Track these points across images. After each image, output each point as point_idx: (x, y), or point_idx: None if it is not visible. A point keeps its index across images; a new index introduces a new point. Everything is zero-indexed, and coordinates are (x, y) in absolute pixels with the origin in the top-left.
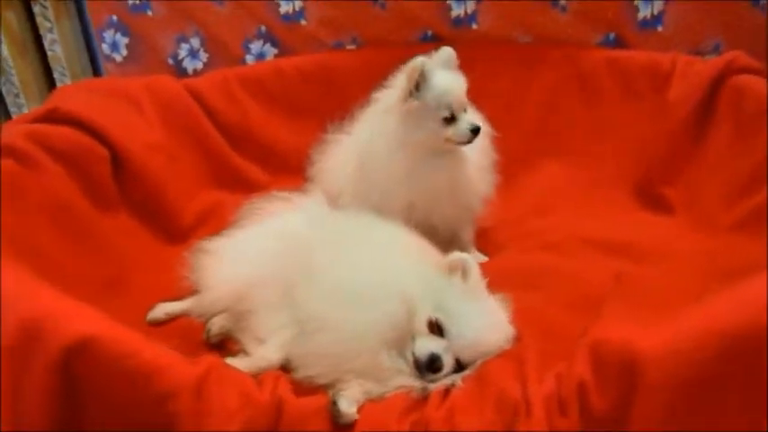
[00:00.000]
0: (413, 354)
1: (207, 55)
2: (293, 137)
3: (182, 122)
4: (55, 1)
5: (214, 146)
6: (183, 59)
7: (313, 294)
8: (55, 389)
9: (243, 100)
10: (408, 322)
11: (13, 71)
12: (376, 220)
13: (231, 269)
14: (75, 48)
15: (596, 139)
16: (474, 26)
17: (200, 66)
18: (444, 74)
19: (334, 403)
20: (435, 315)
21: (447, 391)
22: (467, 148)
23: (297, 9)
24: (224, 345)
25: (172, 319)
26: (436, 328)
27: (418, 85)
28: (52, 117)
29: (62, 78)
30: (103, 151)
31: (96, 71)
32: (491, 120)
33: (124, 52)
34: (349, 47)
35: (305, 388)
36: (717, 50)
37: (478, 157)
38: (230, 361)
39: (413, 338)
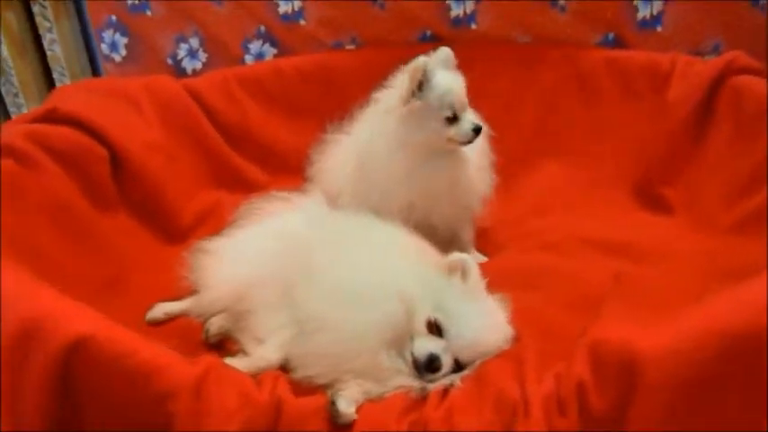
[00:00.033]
0: (412, 354)
1: (206, 55)
2: (292, 137)
3: (181, 122)
4: (54, 1)
5: (213, 146)
6: (182, 59)
7: (312, 294)
8: (54, 388)
9: (242, 100)
10: (407, 322)
11: (13, 71)
12: (375, 221)
13: (230, 269)
14: (74, 48)
15: (596, 140)
16: (473, 26)
17: (199, 66)
18: (446, 74)
19: (333, 403)
20: (434, 315)
21: (446, 392)
22: (466, 149)
23: (296, 9)
24: (223, 345)
25: (171, 318)
26: (435, 329)
27: (421, 85)
28: (51, 117)
29: (61, 78)
30: (103, 151)
31: (95, 71)
32: (490, 120)
33: (123, 52)
34: (348, 47)
35: (304, 388)
36: (716, 51)
37: (478, 157)
38: (229, 361)
39: (412, 338)
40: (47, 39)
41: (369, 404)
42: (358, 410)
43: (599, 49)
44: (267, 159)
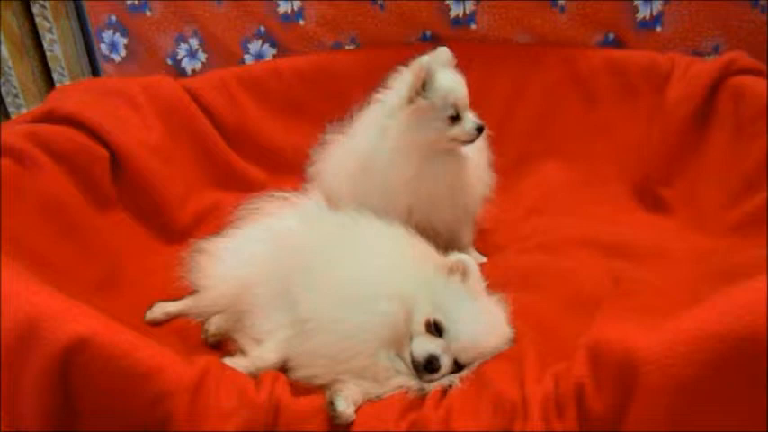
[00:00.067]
0: (411, 354)
1: (205, 55)
2: (292, 137)
3: (180, 122)
4: (54, 1)
5: (212, 146)
6: (181, 59)
7: (311, 294)
8: (52, 388)
9: (241, 100)
10: (406, 322)
11: (13, 71)
12: (374, 221)
13: (229, 269)
14: (74, 48)
15: (595, 140)
16: (473, 26)
17: (198, 66)
18: (448, 73)
19: (332, 403)
20: (434, 315)
21: (445, 392)
22: (466, 149)
23: (295, 9)
24: (222, 345)
25: (170, 318)
26: (434, 329)
27: (424, 85)
28: (51, 117)
29: (61, 78)
30: (102, 151)
31: (95, 71)
32: (490, 120)
33: (123, 52)
34: (348, 47)
35: (303, 388)
36: (716, 51)
37: (477, 158)
38: (228, 361)
39: (411, 339)
40: (47, 39)
41: (367, 404)
42: (357, 411)
43: (599, 50)
44: (266, 159)
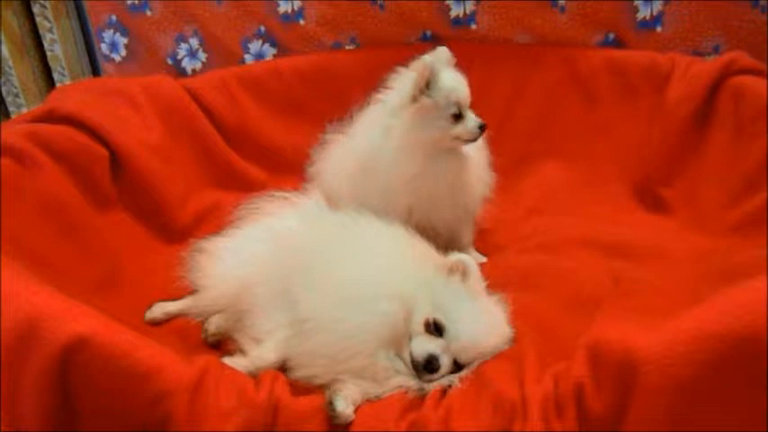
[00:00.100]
0: (410, 354)
1: (206, 55)
2: (292, 137)
3: (180, 122)
4: (54, 1)
5: (212, 145)
6: (181, 59)
7: (310, 294)
8: (52, 388)
9: (242, 100)
10: (406, 322)
11: (13, 71)
12: (374, 221)
13: (229, 269)
14: (74, 48)
15: (595, 140)
16: (473, 26)
17: (198, 66)
18: (450, 72)
19: (331, 403)
20: (434, 315)
21: (444, 392)
22: (467, 148)
23: (296, 9)
24: (221, 345)
25: (170, 318)
26: (434, 328)
27: (428, 84)
28: (51, 117)
29: (62, 78)
30: (102, 151)
31: (96, 71)
32: (490, 120)
33: (123, 52)
34: (348, 47)
35: (302, 388)
36: (717, 51)
37: (478, 157)
38: (227, 360)
39: (410, 339)
40: (47, 39)
41: (367, 404)
42: (356, 411)
43: (599, 50)
44: (266, 159)
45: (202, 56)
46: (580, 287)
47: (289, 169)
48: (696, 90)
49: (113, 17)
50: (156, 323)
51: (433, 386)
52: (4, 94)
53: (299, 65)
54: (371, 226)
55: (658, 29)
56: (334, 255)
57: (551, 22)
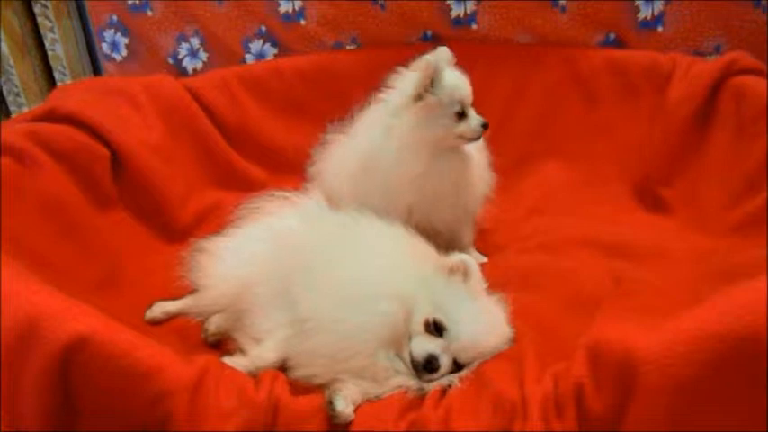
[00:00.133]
0: (410, 354)
1: (207, 54)
2: (292, 136)
3: (181, 122)
4: (55, 1)
5: (213, 145)
6: (182, 59)
7: (310, 294)
8: (52, 387)
9: (242, 99)
10: (405, 322)
11: (14, 71)
12: (374, 220)
13: (229, 268)
14: (75, 47)
15: (596, 140)
16: (474, 26)
17: (199, 65)
18: (452, 71)
19: (331, 403)
20: (434, 315)
21: (444, 392)
22: (468, 147)
23: (296, 9)
24: (222, 344)
25: (170, 318)
26: (433, 328)
27: (432, 82)
28: (51, 116)
29: (63, 78)
30: (102, 150)
31: (96, 71)
32: (491, 120)
33: (124, 52)
34: (349, 47)
35: (302, 387)
36: (718, 51)
37: (479, 156)
38: (227, 360)
39: (410, 338)
40: (48, 38)
41: (367, 404)
42: (356, 410)
43: (600, 50)
44: (267, 159)
45: (203, 55)
46: (580, 287)
47: (289, 169)
48: (697, 90)
49: (114, 17)
50: (156, 323)
51: (433, 386)
52: (5, 93)
53: (299, 65)
54: (372, 226)
55: (659, 29)
56: (335, 254)
57: (552, 22)
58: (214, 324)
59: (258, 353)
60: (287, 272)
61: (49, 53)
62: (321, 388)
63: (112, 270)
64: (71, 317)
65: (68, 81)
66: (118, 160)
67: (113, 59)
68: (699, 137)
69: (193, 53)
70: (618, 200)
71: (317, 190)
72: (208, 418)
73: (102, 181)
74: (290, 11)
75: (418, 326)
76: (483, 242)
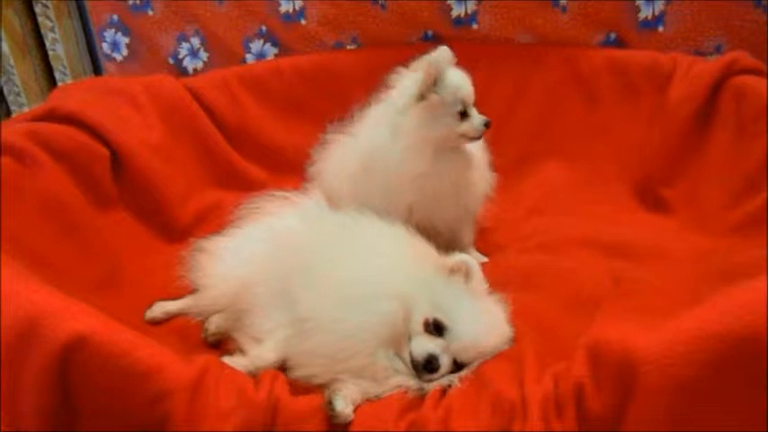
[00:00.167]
0: (410, 353)
1: (207, 54)
2: (293, 136)
3: (182, 122)
4: (56, 0)
5: (213, 145)
6: (183, 59)
7: (310, 294)
8: (51, 386)
9: (243, 99)
10: (405, 322)
11: (15, 70)
12: (374, 220)
13: (229, 268)
14: (76, 47)
15: (596, 139)
16: (474, 26)
17: (200, 65)
18: (455, 70)
19: (331, 403)
20: (434, 315)
21: (444, 392)
22: (470, 146)
23: (297, 9)
24: (221, 344)
25: (170, 317)
26: (433, 328)
27: (435, 81)
28: (52, 116)
29: (63, 78)
30: (102, 150)
31: (97, 70)
32: (491, 119)
33: (125, 52)
34: (349, 47)
35: (302, 387)
36: (718, 51)
37: (479, 156)
38: (227, 360)
39: (410, 338)
40: (49, 38)
41: (366, 404)
42: (355, 410)
43: (600, 49)
44: (267, 159)
45: (204, 55)
46: (580, 287)
47: (289, 169)
48: (698, 90)
49: (115, 17)
50: (156, 322)
51: (433, 386)
52: (5, 93)
53: (300, 64)
54: (372, 226)
55: (660, 29)
56: (334, 254)
57: (553, 22)
58: (214, 324)
59: (258, 353)
60: (287, 272)
61: (50, 53)
62: (321, 388)
63: (112, 270)
64: (70, 316)
65: (69, 81)
66: (118, 160)
67: (114, 59)
68: (699, 137)
69: (194, 53)
70: (618, 200)
71: (317, 190)
72: (207, 418)
73: (102, 181)
74: (291, 11)
75: (418, 326)
76: (483, 242)
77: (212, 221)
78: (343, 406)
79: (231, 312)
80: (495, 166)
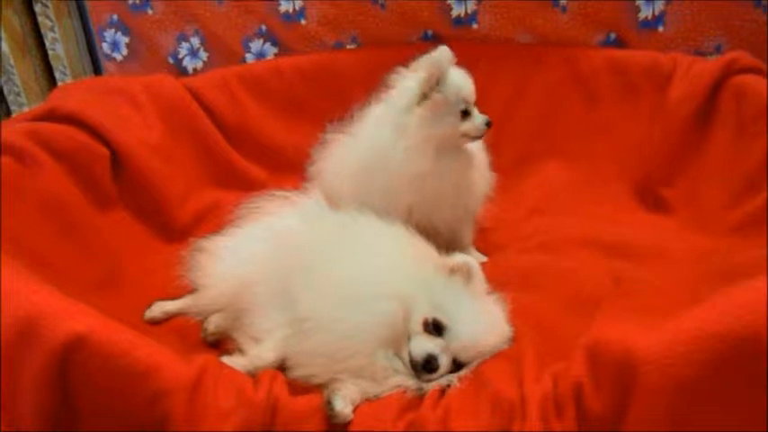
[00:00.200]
0: (409, 353)
1: (207, 54)
2: (292, 136)
3: (181, 121)
4: (56, 0)
5: (213, 145)
6: (183, 58)
7: (309, 294)
8: (51, 387)
9: (242, 99)
10: (405, 322)
11: (15, 70)
12: (374, 220)
13: (229, 268)
14: (76, 47)
15: (596, 139)
16: (474, 26)
17: (200, 65)
18: (456, 70)
19: (330, 403)
20: (433, 315)
21: (443, 392)
22: (471, 146)
23: (297, 8)
24: (221, 344)
25: (169, 317)
26: (432, 328)
27: (437, 80)
28: (52, 116)
29: (63, 77)
30: (102, 150)
31: (97, 70)
32: (491, 119)
33: (125, 51)
34: (349, 46)
35: (301, 387)
36: (718, 51)
37: (479, 156)
38: (226, 359)
39: (409, 338)
40: (49, 38)
41: (365, 404)
42: (355, 410)
43: (600, 49)
44: (267, 158)
45: (203, 55)
46: (580, 287)
47: (289, 168)
48: (697, 89)
49: (115, 16)
50: (155, 322)
51: (432, 386)
52: (5, 92)
53: (300, 64)
54: (372, 225)
55: (660, 29)
56: (334, 254)
57: (553, 22)
58: (213, 324)
59: (257, 352)
60: (286, 271)
61: (50, 53)
62: (320, 388)
63: (112, 270)
64: (69, 316)
65: (69, 80)
66: (118, 160)
67: (114, 59)
68: (699, 136)
69: (193, 53)
70: (618, 200)
71: (317, 189)
72: (206, 418)
73: (101, 181)
74: (291, 10)
75: (417, 325)
76: (483, 242)
77: (212, 221)
78: (343, 406)
79: (230, 312)
80: (495, 166)
